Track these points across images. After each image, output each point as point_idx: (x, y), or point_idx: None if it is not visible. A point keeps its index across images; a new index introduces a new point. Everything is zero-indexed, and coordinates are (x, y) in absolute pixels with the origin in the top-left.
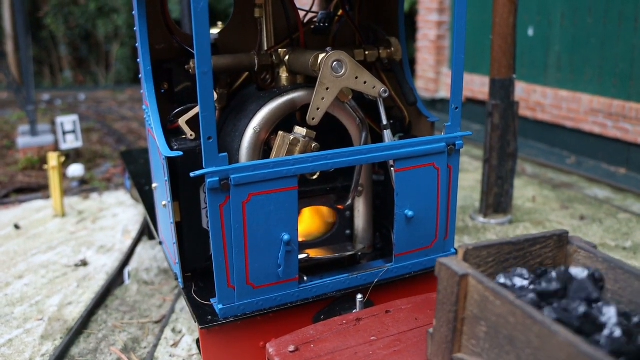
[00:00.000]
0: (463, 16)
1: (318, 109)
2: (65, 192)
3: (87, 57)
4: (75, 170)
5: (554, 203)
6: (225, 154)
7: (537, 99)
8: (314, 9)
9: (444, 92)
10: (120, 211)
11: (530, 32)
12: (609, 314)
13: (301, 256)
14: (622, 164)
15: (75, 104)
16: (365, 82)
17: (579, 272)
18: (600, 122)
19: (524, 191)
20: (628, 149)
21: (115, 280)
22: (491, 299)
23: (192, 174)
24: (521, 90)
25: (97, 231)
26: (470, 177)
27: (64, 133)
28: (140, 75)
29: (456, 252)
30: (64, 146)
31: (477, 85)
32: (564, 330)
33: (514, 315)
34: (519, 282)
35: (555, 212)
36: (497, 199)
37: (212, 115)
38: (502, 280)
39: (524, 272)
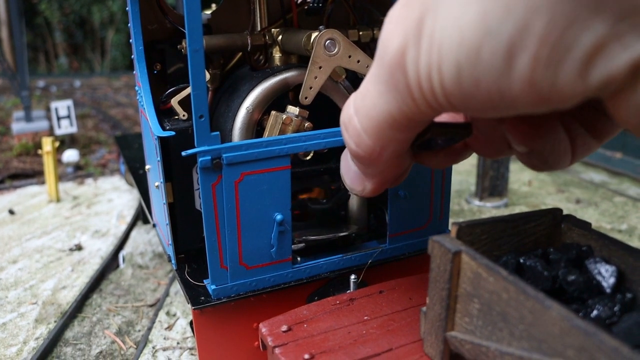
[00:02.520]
0: None
1: (311, 88)
2: (60, 177)
3: (82, 43)
4: (70, 155)
5: (550, 187)
6: (217, 132)
7: None
8: None
9: None
10: (115, 196)
11: None
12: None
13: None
14: (618, 148)
15: (70, 91)
16: (358, 61)
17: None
18: None
19: (520, 175)
20: (624, 133)
21: (110, 264)
22: (484, 275)
23: (183, 153)
24: None
25: (92, 216)
26: (465, 161)
27: (59, 118)
28: (133, 56)
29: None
30: (58, 132)
31: None
32: (557, 305)
33: (507, 292)
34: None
35: (551, 196)
36: (492, 182)
37: (203, 93)
38: None
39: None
